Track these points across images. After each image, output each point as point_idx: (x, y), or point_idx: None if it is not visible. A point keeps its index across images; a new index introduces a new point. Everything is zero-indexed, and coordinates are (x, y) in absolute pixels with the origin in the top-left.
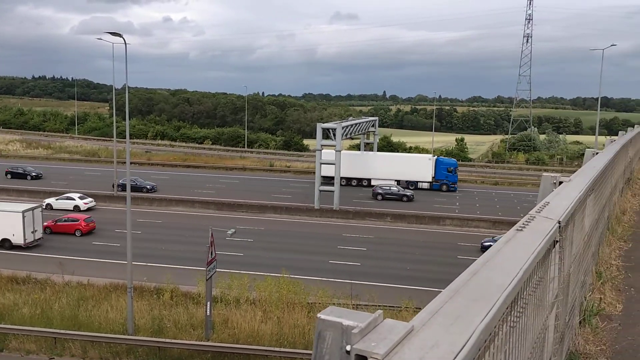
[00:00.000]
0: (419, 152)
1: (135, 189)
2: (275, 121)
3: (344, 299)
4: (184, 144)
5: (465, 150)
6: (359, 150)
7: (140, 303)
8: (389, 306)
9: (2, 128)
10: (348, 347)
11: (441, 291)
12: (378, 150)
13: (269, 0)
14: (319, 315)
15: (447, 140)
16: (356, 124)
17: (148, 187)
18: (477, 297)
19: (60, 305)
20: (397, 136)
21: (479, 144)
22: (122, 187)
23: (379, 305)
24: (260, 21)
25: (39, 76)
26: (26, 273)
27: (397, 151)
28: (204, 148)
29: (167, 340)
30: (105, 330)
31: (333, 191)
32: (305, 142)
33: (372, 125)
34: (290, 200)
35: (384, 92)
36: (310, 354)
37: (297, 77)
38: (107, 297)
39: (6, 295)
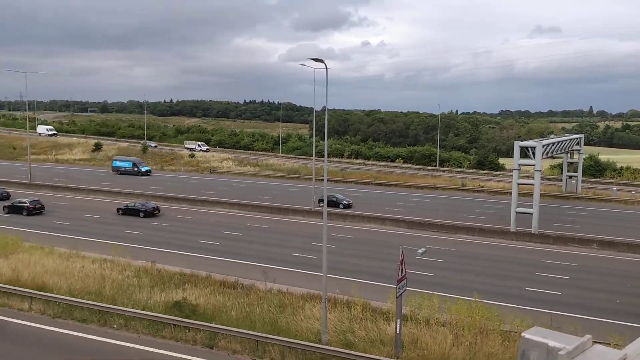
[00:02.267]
0: (632, 173)
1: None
2: (469, 139)
3: None
4: (376, 162)
5: None
6: (561, 169)
7: (332, 314)
8: (594, 341)
9: (219, 147)
10: None
11: None
12: (583, 170)
13: (465, 19)
14: (523, 334)
15: None
16: (558, 142)
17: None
18: None
19: (261, 310)
20: (606, 154)
21: None
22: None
23: None
24: (455, 40)
25: (250, 100)
26: (235, 278)
27: (605, 171)
28: (395, 166)
29: (359, 353)
30: (300, 337)
31: (531, 213)
32: (501, 161)
33: (577, 144)
34: (483, 222)
35: (591, 107)
36: None
37: (492, 94)
38: (303, 306)
39: (217, 297)
